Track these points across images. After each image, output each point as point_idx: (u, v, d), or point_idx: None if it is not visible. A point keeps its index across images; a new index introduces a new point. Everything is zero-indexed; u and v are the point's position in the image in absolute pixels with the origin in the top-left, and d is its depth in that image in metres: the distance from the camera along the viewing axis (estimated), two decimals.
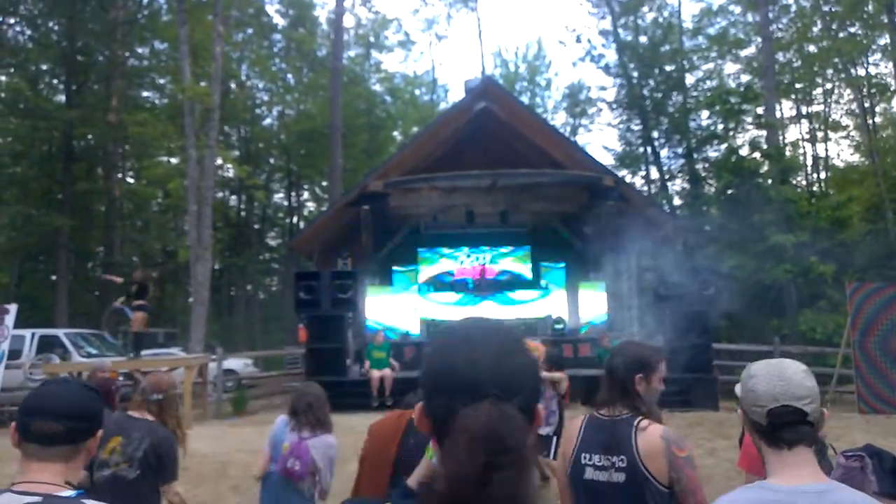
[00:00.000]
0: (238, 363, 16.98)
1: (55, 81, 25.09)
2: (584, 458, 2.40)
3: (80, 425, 1.58)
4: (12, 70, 23.48)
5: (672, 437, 2.29)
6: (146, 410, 3.71)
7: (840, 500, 1.49)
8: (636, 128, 29.27)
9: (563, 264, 17.73)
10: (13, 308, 13.26)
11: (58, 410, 1.56)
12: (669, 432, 2.31)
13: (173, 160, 26.39)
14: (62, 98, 24.04)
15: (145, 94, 27.36)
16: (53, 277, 24.52)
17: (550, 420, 7.36)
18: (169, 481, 3.58)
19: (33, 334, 14.10)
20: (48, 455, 1.53)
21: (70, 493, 1.51)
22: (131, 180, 27.97)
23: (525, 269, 17.72)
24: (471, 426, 0.87)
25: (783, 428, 1.55)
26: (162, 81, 26.69)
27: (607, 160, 29.02)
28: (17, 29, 23.91)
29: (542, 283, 17.45)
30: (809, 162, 27.63)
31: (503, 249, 17.71)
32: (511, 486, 0.85)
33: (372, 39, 34.52)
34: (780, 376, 1.57)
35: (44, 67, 24.43)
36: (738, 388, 1.68)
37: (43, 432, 1.53)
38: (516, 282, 17.45)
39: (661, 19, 28.39)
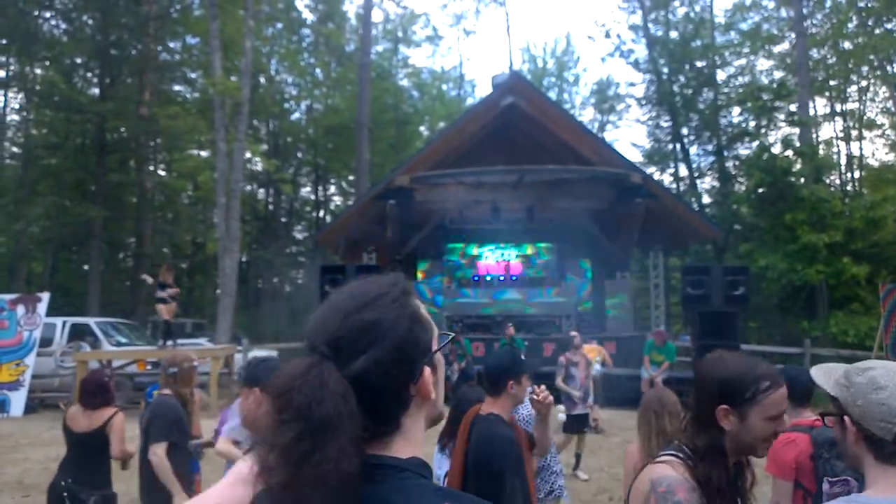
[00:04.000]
0: (264, 354, 17.12)
1: (89, 75, 25.48)
2: None
3: None
4: (47, 63, 23.93)
5: (661, 488, 1.64)
6: (167, 385, 4.16)
7: None
8: (665, 124, 28.91)
9: (589, 261, 17.63)
10: (45, 296, 13.57)
11: None
12: (664, 482, 1.65)
13: (203, 153, 26.69)
14: (96, 91, 24.41)
15: (177, 87, 27.70)
16: (86, 267, 24.98)
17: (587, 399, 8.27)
18: (152, 442, 3.87)
19: (64, 322, 14.39)
20: None
21: None
22: (162, 173, 28.37)
23: (551, 266, 17.64)
24: (271, 384, 0.82)
25: None
26: (193, 75, 27.01)
27: (636, 157, 28.76)
28: (53, 23, 24.36)
29: (568, 279, 17.36)
30: (843, 161, 27.04)
31: (529, 245, 17.64)
32: (319, 462, 0.76)
33: (400, 34, 34.57)
34: None
35: (78, 61, 24.82)
36: (848, 394, 1.53)
37: None
38: (542, 278, 17.38)
39: (692, 14, 27.97)
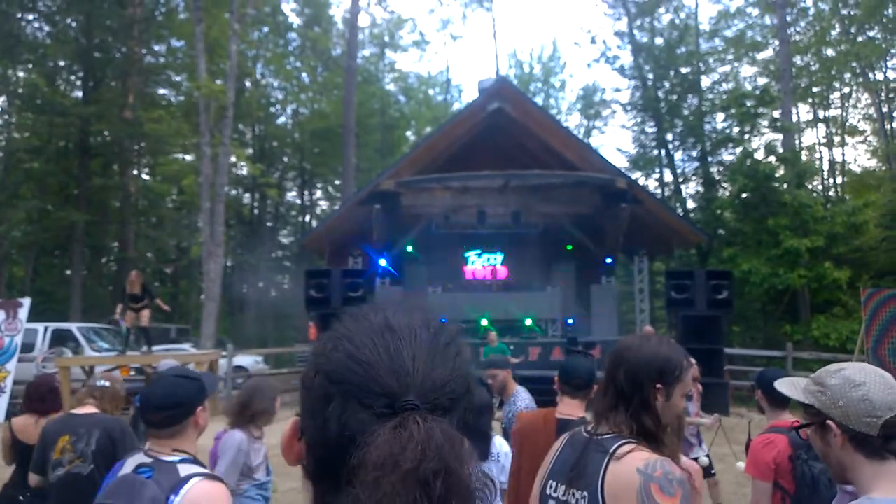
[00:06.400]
0: (249, 360, 17.03)
1: (72, 78, 25.28)
2: (550, 487, 1.79)
3: (175, 411, 2.14)
4: (30, 66, 23.70)
5: (657, 472, 1.56)
6: (90, 400, 3.75)
7: None
8: (650, 130, 29.09)
9: (574, 266, 17.68)
10: (27, 302, 13.39)
11: (155, 403, 2.14)
12: (657, 465, 1.58)
13: (188, 157, 26.56)
14: (79, 94, 24.22)
15: (161, 91, 27.53)
16: (68, 272, 24.72)
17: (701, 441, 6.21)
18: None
19: (46, 328, 14.23)
20: (159, 434, 2.12)
21: (175, 458, 2.05)
22: (146, 177, 28.17)
23: (536, 271, 17.66)
24: (399, 456, 0.60)
25: (894, 438, 1.45)
26: (178, 79, 26.88)
27: (621, 162, 28.85)
28: (36, 25, 24.15)
29: (553, 284, 17.39)
30: (826, 166, 27.37)
31: (514, 250, 17.66)
32: None
33: (387, 39, 34.59)
34: (888, 383, 1.47)
35: (61, 64, 24.63)
36: (825, 398, 1.51)
37: (150, 420, 2.14)
38: (527, 282, 17.40)
39: (677, 21, 28.20)
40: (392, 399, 0.65)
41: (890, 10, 21.33)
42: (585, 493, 1.64)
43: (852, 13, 22.66)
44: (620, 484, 1.58)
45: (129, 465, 2.04)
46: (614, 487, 1.59)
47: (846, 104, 27.48)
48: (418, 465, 0.59)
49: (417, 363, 0.67)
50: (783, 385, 1.70)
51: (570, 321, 16.48)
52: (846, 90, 26.83)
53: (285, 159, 33.17)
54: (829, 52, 24.07)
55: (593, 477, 1.63)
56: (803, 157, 22.47)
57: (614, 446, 1.65)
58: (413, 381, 0.66)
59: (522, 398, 4.24)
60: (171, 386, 2.20)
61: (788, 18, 22.92)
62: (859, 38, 22.57)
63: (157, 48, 26.43)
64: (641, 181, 26.23)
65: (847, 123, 27.63)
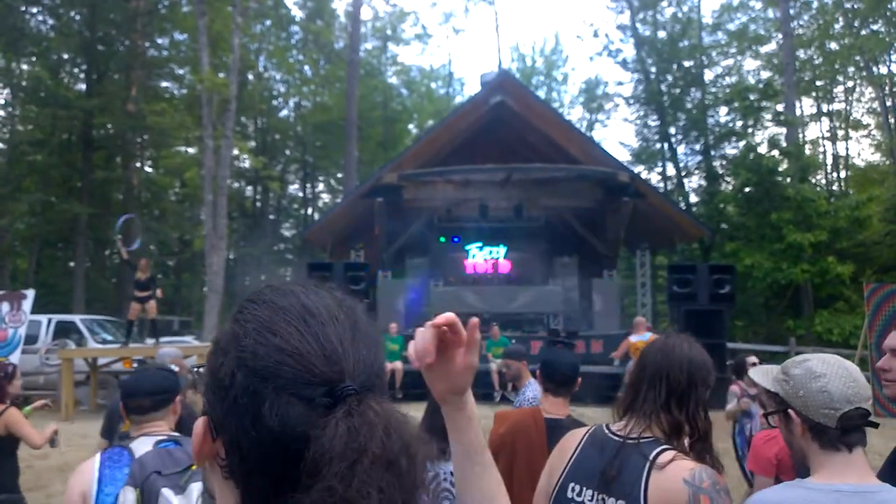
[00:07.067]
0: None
1: (76, 70, 25.28)
2: (572, 490, 1.68)
3: (163, 396, 2.32)
4: (34, 58, 23.74)
5: (705, 483, 1.51)
6: None
7: (888, 500, 1.42)
8: (653, 124, 29.05)
9: (576, 260, 17.67)
10: (31, 294, 13.43)
11: (146, 390, 2.31)
12: (703, 475, 1.52)
13: (190, 150, 26.57)
14: (82, 87, 24.23)
15: (164, 84, 27.52)
16: (71, 264, 24.80)
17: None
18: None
19: (50, 320, 14.27)
20: (148, 419, 2.27)
21: (176, 435, 2.26)
22: (149, 169, 28.18)
23: (538, 264, 17.66)
24: (367, 442, 0.60)
25: (852, 431, 1.48)
26: (181, 72, 26.85)
27: (623, 156, 28.86)
28: (39, 18, 24.14)
29: (556, 277, 17.39)
30: (829, 161, 27.33)
31: (516, 244, 17.66)
32: None
33: (389, 32, 34.49)
34: (850, 377, 1.49)
35: (65, 56, 24.63)
36: (788, 387, 1.54)
37: (140, 406, 2.29)
38: (529, 276, 17.40)
39: (680, 14, 28.12)
40: (330, 387, 0.63)
41: (894, 4, 21.23)
42: (623, 502, 1.57)
43: (856, 6, 22.54)
44: (667, 496, 1.52)
45: (141, 447, 2.15)
46: (660, 499, 1.53)
47: (850, 98, 27.42)
48: (384, 447, 0.60)
49: (345, 345, 0.66)
50: (756, 373, 1.73)
51: (572, 315, 16.46)
52: (850, 84, 26.75)
53: (287, 152, 33.16)
54: (833, 45, 23.99)
55: (633, 485, 1.56)
56: (807, 152, 22.41)
57: (654, 452, 1.58)
58: (346, 366, 0.65)
59: (532, 388, 4.25)
60: (157, 376, 2.42)
61: (792, 12, 22.85)
62: (863, 32, 22.47)
63: (160, 41, 26.42)
64: (644, 175, 26.22)
65: (851, 117, 27.56)
